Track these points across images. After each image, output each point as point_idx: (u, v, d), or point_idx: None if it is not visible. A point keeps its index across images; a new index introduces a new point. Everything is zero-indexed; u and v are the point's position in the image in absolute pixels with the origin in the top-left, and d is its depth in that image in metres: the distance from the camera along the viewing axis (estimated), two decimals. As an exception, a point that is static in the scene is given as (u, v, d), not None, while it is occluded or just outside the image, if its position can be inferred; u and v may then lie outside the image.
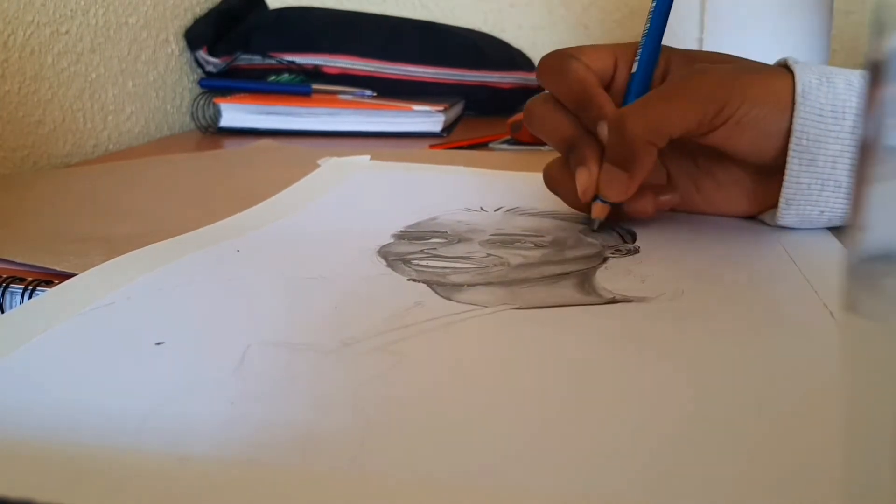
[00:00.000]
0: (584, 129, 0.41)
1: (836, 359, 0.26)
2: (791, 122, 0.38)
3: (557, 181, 0.43)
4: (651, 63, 0.42)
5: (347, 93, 0.84)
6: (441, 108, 0.78)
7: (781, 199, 0.40)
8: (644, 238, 0.41)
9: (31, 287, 0.34)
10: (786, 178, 0.39)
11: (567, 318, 0.30)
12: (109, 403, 0.23)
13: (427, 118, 0.78)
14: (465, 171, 0.56)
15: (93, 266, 0.34)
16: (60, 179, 0.58)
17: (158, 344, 0.27)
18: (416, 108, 0.78)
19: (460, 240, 0.40)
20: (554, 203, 0.47)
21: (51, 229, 0.42)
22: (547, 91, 0.43)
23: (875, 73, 0.14)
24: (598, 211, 0.41)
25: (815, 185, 0.39)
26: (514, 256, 0.37)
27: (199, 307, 0.31)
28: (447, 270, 0.35)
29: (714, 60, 0.42)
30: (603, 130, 0.40)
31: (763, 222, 0.43)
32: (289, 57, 0.89)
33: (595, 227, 0.42)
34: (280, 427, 0.22)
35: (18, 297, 0.34)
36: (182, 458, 0.21)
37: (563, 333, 0.29)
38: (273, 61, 0.89)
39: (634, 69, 0.42)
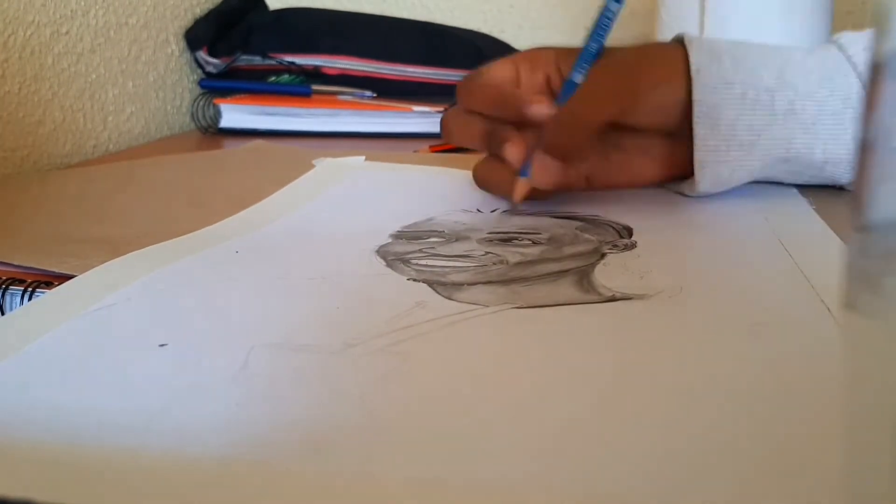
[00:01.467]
0: (497, 122, 0.46)
1: (836, 356, 0.26)
2: (685, 94, 0.44)
3: (486, 175, 0.48)
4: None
5: (347, 93, 0.84)
6: (441, 108, 0.78)
7: (696, 163, 0.45)
8: (640, 233, 0.41)
9: (30, 288, 0.34)
10: (696, 143, 0.45)
11: (568, 317, 0.30)
12: (114, 405, 0.23)
13: (427, 119, 0.78)
14: (459, 172, 0.56)
15: (93, 267, 0.34)
16: (60, 180, 0.58)
17: (162, 346, 0.27)
18: (416, 108, 0.78)
19: (458, 239, 0.40)
20: (549, 204, 0.47)
21: (50, 230, 0.42)
22: (458, 107, 0.48)
23: (875, 72, 0.14)
24: (521, 189, 0.45)
25: (721, 147, 0.45)
26: (512, 254, 0.37)
27: (201, 309, 0.31)
28: (447, 269, 0.35)
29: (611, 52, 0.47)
30: (530, 111, 0.44)
31: (682, 194, 0.48)
32: (289, 57, 0.88)
33: (515, 207, 0.46)
34: (287, 428, 0.22)
35: (18, 299, 0.34)
36: (188, 459, 0.21)
37: (566, 333, 0.29)
38: (273, 62, 0.89)
39: (572, 76, 0.46)
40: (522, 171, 0.45)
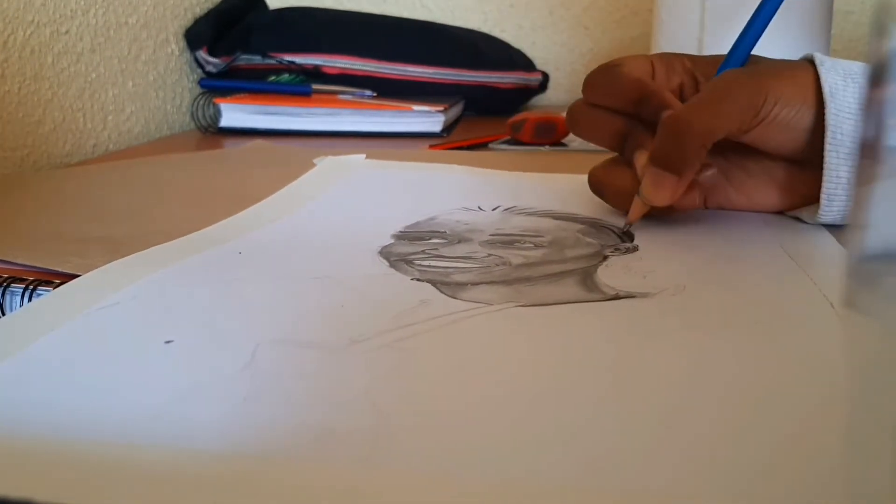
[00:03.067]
0: (633, 121, 0.42)
1: (839, 352, 0.26)
2: (816, 119, 0.39)
3: (604, 181, 0.44)
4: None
5: (347, 93, 0.84)
6: (441, 108, 0.78)
7: (823, 195, 0.40)
8: (642, 236, 0.41)
9: (31, 287, 0.34)
10: (825, 173, 0.40)
11: (572, 314, 0.30)
12: (120, 401, 0.23)
13: (427, 118, 0.78)
14: (461, 169, 0.56)
15: (94, 267, 0.34)
16: (60, 179, 0.58)
17: (167, 342, 0.27)
18: (416, 108, 0.78)
19: (460, 240, 0.40)
20: (551, 202, 0.47)
21: (51, 229, 0.42)
22: (584, 100, 0.44)
23: (875, 73, 0.14)
24: (638, 210, 0.41)
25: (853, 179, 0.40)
26: (514, 256, 0.37)
27: (206, 307, 0.31)
28: (450, 270, 0.35)
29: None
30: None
31: (798, 219, 0.44)
32: (289, 57, 0.89)
33: (627, 227, 0.42)
34: (293, 424, 0.22)
35: (19, 298, 0.34)
36: (194, 455, 0.21)
37: (569, 330, 0.29)
38: (273, 61, 0.89)
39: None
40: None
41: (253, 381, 0.25)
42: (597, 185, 0.45)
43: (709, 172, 0.43)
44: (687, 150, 0.39)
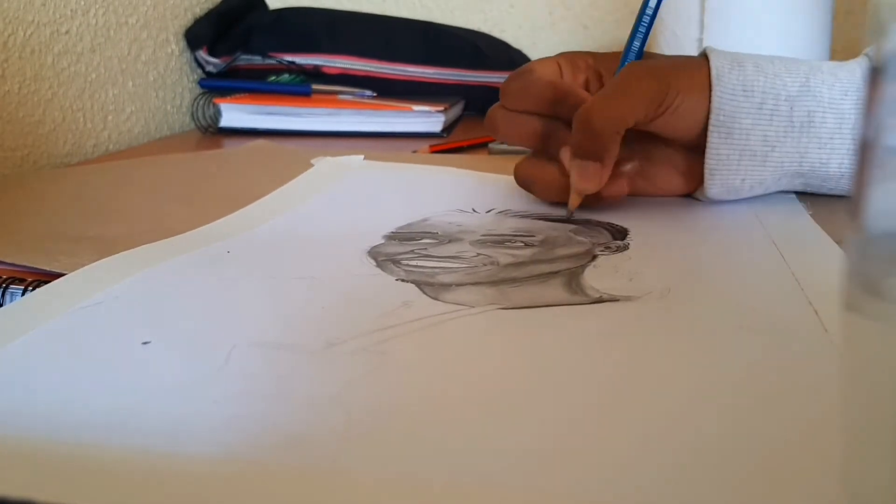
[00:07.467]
0: (553, 121, 0.45)
1: (821, 359, 0.26)
2: (707, 104, 0.43)
3: (532, 176, 0.47)
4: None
5: (347, 93, 0.84)
6: (441, 108, 0.78)
7: (706, 171, 0.45)
8: (634, 235, 0.41)
9: (31, 287, 0.34)
10: (707, 150, 0.44)
11: (553, 317, 0.30)
12: (95, 402, 0.23)
13: (427, 118, 0.78)
14: (457, 171, 0.56)
15: (82, 265, 0.34)
16: (60, 179, 0.57)
17: (145, 343, 0.27)
18: (416, 108, 0.78)
19: (451, 240, 0.40)
20: (546, 205, 0.47)
21: (48, 229, 0.42)
22: (504, 105, 0.47)
23: (875, 73, 0.14)
24: (575, 200, 0.44)
25: (733, 156, 0.44)
26: (503, 256, 0.37)
27: (187, 307, 0.31)
28: (436, 270, 0.35)
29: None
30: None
31: (697, 199, 0.48)
32: (289, 57, 0.88)
33: (570, 216, 0.45)
34: (263, 426, 0.22)
35: (18, 298, 0.34)
36: (166, 456, 0.21)
37: (548, 333, 0.29)
38: (273, 61, 0.89)
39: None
40: None
41: (225, 384, 0.24)
42: (525, 181, 0.47)
43: (629, 165, 0.47)
44: (602, 138, 0.42)
